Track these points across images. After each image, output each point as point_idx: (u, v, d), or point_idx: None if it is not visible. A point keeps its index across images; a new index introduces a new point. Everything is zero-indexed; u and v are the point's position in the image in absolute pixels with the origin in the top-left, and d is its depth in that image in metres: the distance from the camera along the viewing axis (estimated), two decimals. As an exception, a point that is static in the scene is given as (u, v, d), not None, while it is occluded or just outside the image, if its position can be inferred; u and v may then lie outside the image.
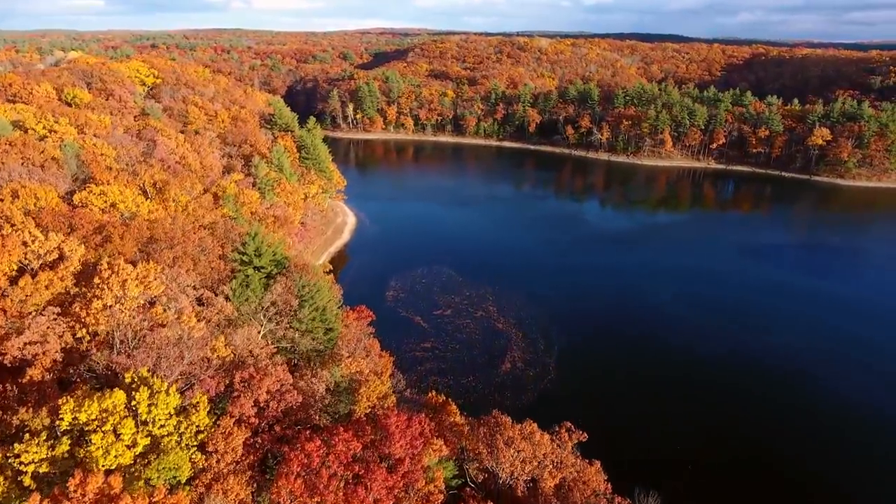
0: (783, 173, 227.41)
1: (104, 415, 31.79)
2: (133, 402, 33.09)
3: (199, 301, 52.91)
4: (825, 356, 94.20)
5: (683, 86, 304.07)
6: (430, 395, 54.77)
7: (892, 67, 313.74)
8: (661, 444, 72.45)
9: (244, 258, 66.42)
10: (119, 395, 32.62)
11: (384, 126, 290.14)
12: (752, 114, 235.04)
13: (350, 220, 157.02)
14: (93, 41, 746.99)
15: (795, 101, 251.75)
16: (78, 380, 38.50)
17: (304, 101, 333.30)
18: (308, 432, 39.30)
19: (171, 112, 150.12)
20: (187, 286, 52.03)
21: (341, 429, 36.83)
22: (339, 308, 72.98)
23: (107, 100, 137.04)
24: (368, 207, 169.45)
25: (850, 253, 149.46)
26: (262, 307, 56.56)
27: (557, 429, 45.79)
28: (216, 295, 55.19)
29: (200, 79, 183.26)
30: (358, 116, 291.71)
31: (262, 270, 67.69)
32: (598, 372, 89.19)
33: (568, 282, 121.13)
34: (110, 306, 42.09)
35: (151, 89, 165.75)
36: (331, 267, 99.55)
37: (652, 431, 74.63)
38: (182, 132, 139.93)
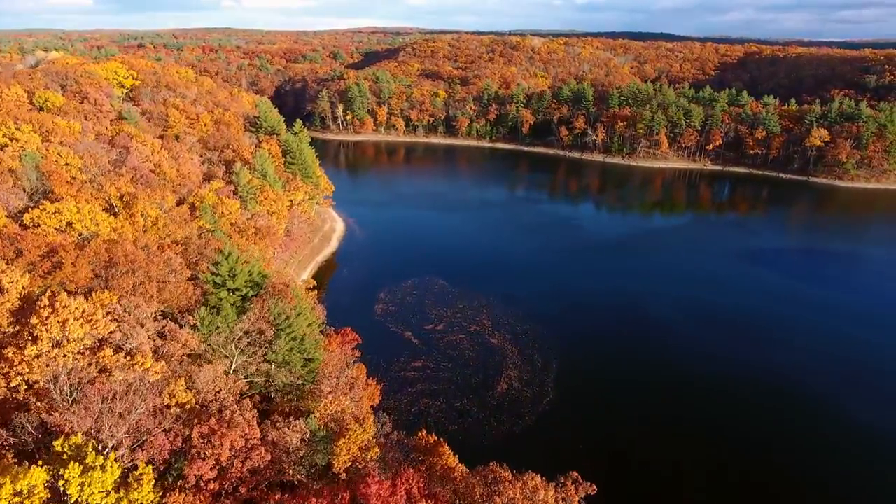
0: (781, 175, 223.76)
1: (18, 500, 26.22)
2: (60, 482, 27.63)
3: (162, 334, 47.41)
4: (846, 377, 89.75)
5: (678, 85, 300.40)
6: (419, 434, 49.47)
7: (887, 66, 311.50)
8: (667, 472, 67.67)
9: (216, 280, 60.81)
10: (38, 475, 27.06)
11: (375, 127, 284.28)
12: (749, 114, 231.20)
13: (338, 226, 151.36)
14: (79, 40, 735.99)
15: (793, 101, 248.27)
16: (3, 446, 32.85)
17: (293, 101, 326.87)
18: (278, 496, 33.96)
19: (151, 115, 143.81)
20: (147, 317, 46.46)
21: (314, 500, 31.51)
22: (322, 331, 67.57)
23: (81, 103, 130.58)
24: (358, 213, 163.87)
25: (851, 258, 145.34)
26: (234, 337, 51.06)
27: (563, 480, 40.72)
28: (181, 327, 49.54)
29: (183, 80, 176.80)
30: (348, 117, 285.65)
31: (237, 293, 62.11)
32: (598, 391, 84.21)
33: (565, 292, 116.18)
34: (47, 352, 36.51)
35: (130, 91, 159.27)
36: (314, 283, 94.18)
37: (657, 457, 69.83)
38: (161, 137, 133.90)
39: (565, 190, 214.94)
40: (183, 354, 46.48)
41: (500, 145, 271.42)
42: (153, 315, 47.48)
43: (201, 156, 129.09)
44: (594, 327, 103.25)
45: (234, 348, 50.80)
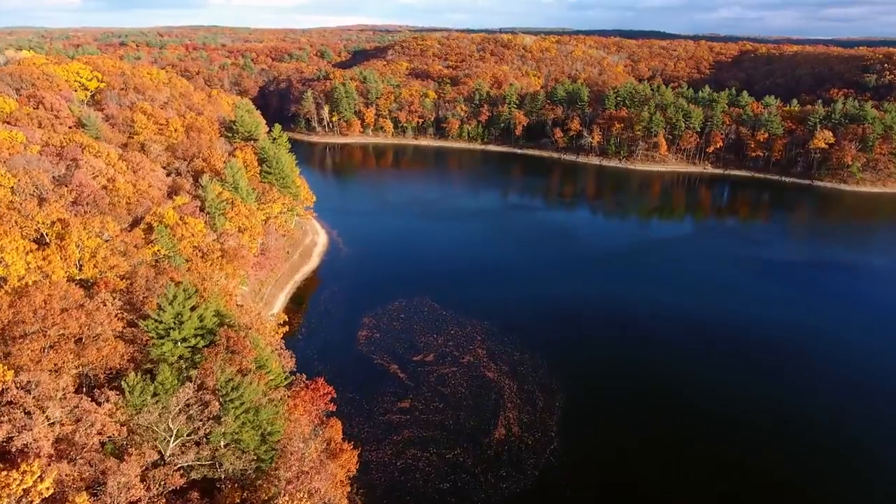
0: (783, 178, 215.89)
1: None
2: None
3: (76, 415, 37.36)
4: (862, 403, 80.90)
5: (673, 84, 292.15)
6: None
7: (886, 65, 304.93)
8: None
9: (159, 329, 50.58)
10: None
11: (362, 129, 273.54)
12: (750, 115, 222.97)
13: (321, 239, 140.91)
14: (61, 38, 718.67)
15: (795, 101, 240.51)
16: None
17: (278, 102, 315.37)
18: None
19: (115, 121, 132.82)
20: (54, 396, 36.34)
21: None
22: (289, 384, 57.37)
23: (36, 108, 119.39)
24: (342, 223, 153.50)
25: (858, 268, 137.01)
26: (170, 413, 40.94)
27: None
28: (101, 404, 39.24)
29: (154, 82, 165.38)
30: (334, 119, 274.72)
31: (185, 344, 51.91)
32: (608, 436, 74.76)
33: (563, 313, 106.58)
34: None
35: (95, 94, 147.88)
36: (285, 318, 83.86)
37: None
38: (125, 145, 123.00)
39: (561, 195, 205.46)
40: (101, 442, 36.53)
41: (492, 148, 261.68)
42: (63, 391, 37.34)
43: (168, 166, 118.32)
44: (597, 355, 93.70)
45: (170, 425, 40.74)
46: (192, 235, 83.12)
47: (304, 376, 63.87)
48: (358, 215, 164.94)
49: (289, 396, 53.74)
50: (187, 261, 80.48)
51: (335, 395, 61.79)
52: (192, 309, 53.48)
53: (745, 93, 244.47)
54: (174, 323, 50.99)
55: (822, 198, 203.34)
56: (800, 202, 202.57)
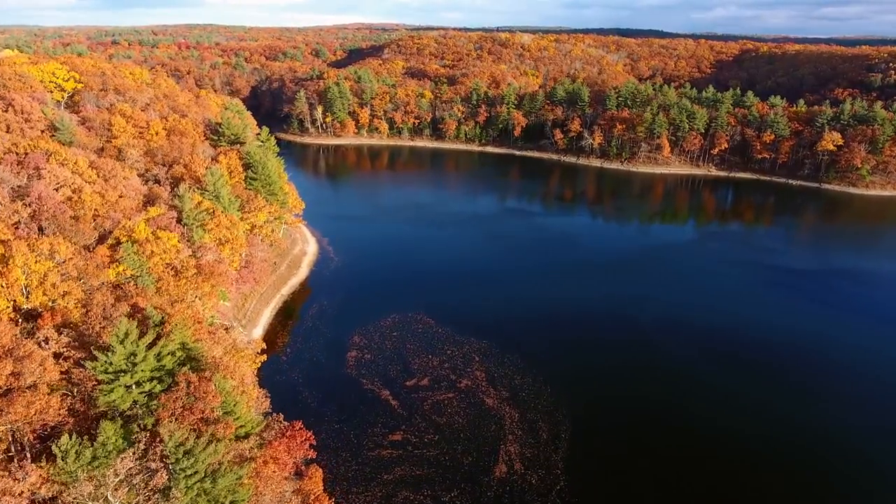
0: (790, 181, 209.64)
1: None
2: None
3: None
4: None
5: (675, 84, 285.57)
6: None
7: (891, 64, 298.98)
8: None
9: (108, 370, 43.67)
10: None
11: (356, 130, 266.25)
12: (756, 116, 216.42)
13: (310, 248, 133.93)
14: (54, 36, 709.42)
15: (801, 102, 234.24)
16: None
17: (270, 102, 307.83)
18: None
19: (92, 125, 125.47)
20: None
21: None
22: (263, 428, 50.43)
23: (5, 112, 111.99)
24: (334, 229, 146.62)
25: (870, 277, 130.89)
26: (110, 485, 34.10)
27: None
28: (27, 476, 32.48)
29: (136, 82, 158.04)
30: (327, 120, 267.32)
31: (139, 389, 45.00)
32: (618, 475, 68.07)
33: (567, 332, 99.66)
34: None
35: (73, 96, 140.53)
36: (263, 345, 76.88)
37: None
38: (101, 150, 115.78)
39: (560, 199, 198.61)
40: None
41: (490, 149, 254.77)
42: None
43: (146, 173, 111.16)
44: (603, 378, 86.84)
45: (109, 499, 33.90)
46: (165, 251, 76.06)
47: (282, 417, 56.92)
48: (350, 221, 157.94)
49: (260, 446, 46.92)
50: (158, 280, 73.47)
51: (315, 442, 54.70)
52: (150, 346, 46.57)
53: (750, 93, 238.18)
54: (126, 365, 44.14)
55: (830, 201, 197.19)
56: (807, 206, 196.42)
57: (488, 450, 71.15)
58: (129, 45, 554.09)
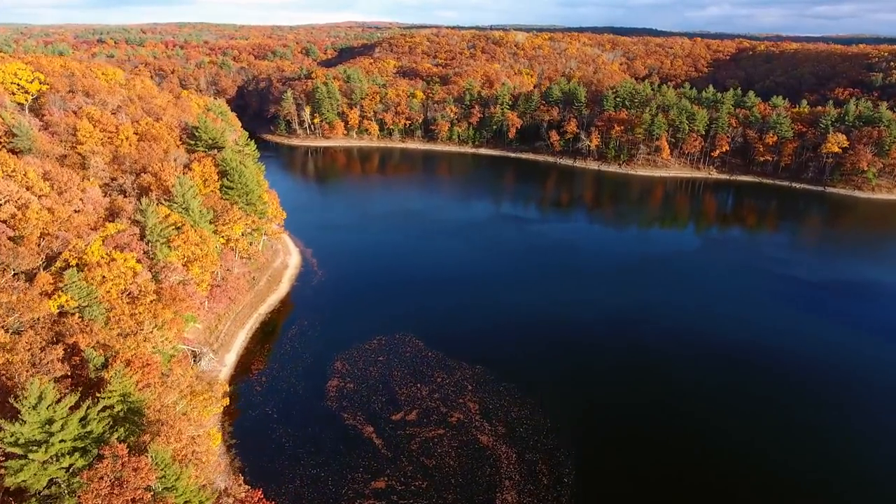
0: (793, 184, 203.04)
1: None
2: None
3: None
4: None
5: (672, 83, 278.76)
6: None
7: (892, 63, 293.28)
8: None
9: (17, 443, 35.55)
10: None
11: (346, 132, 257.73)
12: (758, 117, 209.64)
13: (292, 260, 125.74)
14: (40, 35, 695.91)
15: (804, 102, 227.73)
16: None
17: (258, 103, 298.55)
18: None
19: (56, 129, 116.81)
20: None
21: None
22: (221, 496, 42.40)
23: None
24: (319, 239, 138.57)
25: (879, 287, 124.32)
26: None
27: None
28: None
29: (109, 83, 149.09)
30: (316, 121, 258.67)
31: (59, 463, 36.93)
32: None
33: (567, 354, 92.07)
34: None
35: (38, 98, 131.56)
36: (227, 388, 68.84)
37: None
38: (64, 157, 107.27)
39: (557, 204, 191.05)
40: None
41: (483, 151, 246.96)
42: None
43: (110, 183, 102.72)
44: (615, 416, 78.91)
45: None
46: (119, 276, 67.77)
47: (242, 480, 48.89)
48: (336, 230, 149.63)
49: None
50: (110, 309, 65.21)
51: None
52: (74, 407, 38.52)
53: (751, 93, 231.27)
54: (41, 435, 36.16)
55: (835, 205, 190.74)
56: (812, 210, 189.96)
57: (482, 499, 63.46)
58: (115, 43, 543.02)
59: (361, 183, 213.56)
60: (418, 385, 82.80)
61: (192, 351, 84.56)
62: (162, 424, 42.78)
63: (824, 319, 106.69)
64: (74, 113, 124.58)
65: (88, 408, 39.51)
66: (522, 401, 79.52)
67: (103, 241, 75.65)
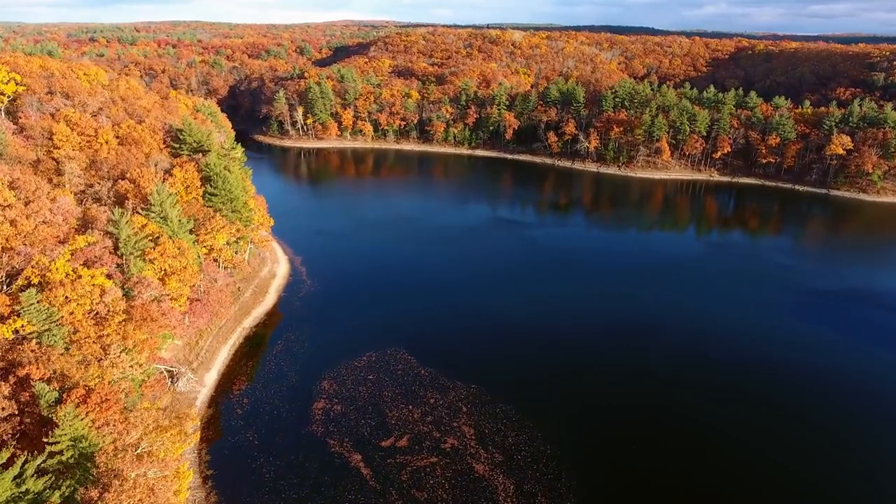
0: (797, 187, 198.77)
1: None
2: None
3: None
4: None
5: (671, 83, 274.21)
6: None
7: (894, 62, 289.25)
8: None
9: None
10: None
11: (339, 133, 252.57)
12: (760, 118, 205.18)
13: (281, 269, 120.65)
14: (33, 33, 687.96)
15: (807, 103, 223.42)
16: None
17: (250, 103, 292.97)
18: None
19: (31, 133, 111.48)
20: None
21: None
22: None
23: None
24: (309, 246, 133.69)
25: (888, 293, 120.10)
26: None
27: None
28: None
29: (91, 83, 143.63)
30: (308, 121, 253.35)
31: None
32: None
33: (568, 372, 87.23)
34: None
35: (15, 100, 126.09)
36: (197, 423, 63.73)
37: None
38: (37, 163, 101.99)
39: (555, 208, 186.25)
40: None
41: (480, 153, 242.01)
42: None
43: (86, 189, 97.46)
44: (612, 431, 74.67)
45: None
46: (84, 295, 62.62)
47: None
48: (328, 237, 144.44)
49: None
50: (74, 332, 60.10)
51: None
52: (7, 465, 33.46)
53: (753, 93, 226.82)
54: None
55: (839, 208, 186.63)
56: (816, 213, 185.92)
57: (478, 538, 58.63)
58: (107, 42, 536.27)
59: (355, 186, 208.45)
60: (410, 407, 77.88)
61: (169, 371, 79.49)
62: (115, 475, 37.78)
63: (824, 326, 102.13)
64: (52, 115, 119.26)
65: (25, 462, 34.58)
66: (520, 424, 74.69)
67: (72, 254, 70.52)
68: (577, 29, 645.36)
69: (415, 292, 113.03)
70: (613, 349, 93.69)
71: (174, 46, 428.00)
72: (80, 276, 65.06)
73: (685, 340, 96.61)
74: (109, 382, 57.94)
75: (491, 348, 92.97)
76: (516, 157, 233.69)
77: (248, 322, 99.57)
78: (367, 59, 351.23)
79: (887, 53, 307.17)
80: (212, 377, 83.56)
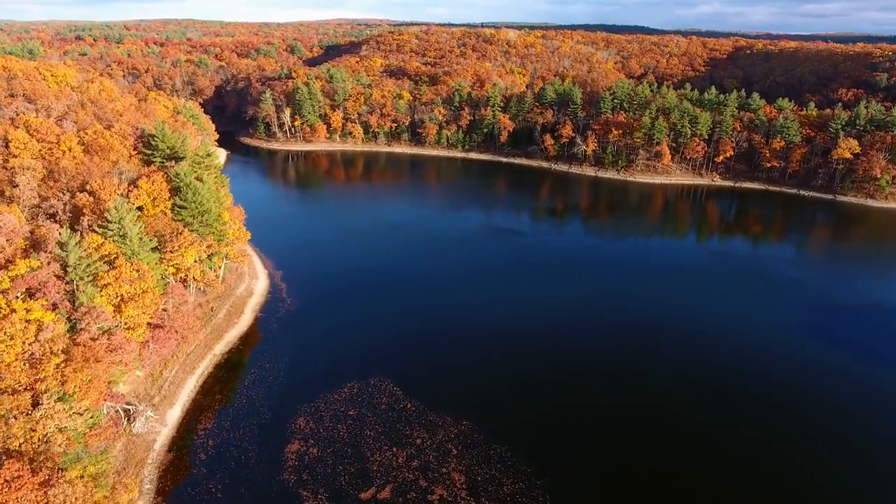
0: (802, 192, 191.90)
1: None
2: None
3: None
4: None
5: (669, 83, 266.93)
6: None
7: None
8: None
9: None
10: None
11: (328, 135, 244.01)
12: (764, 120, 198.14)
13: (259, 286, 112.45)
14: (21, 31, 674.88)
15: (812, 105, 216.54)
16: None
17: (236, 104, 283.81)
18: None
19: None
20: None
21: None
22: None
23: None
24: (291, 259, 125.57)
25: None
26: None
27: None
28: None
29: (58, 85, 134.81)
30: (296, 123, 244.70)
31: None
32: None
33: (568, 408, 79.28)
34: None
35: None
36: (158, 474, 55.56)
37: None
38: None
39: (552, 214, 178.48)
40: None
41: (474, 156, 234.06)
42: None
43: (41, 203, 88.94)
44: (620, 477, 67.09)
45: None
46: (16, 335, 54.31)
47: None
48: (312, 248, 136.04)
49: None
50: (0, 381, 51.84)
51: None
52: None
53: (755, 95, 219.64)
54: None
55: (846, 214, 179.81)
56: (823, 219, 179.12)
57: None
58: (94, 41, 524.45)
59: (343, 191, 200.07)
60: (394, 449, 69.92)
61: (126, 409, 71.21)
62: None
63: (831, 335, 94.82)
64: (11, 120, 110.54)
65: None
66: (517, 469, 66.91)
67: (12, 282, 62.21)
68: (572, 28, 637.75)
69: (402, 310, 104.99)
70: (617, 372, 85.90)
71: (161, 45, 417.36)
72: (13, 311, 56.75)
73: (689, 358, 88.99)
74: (40, 439, 49.84)
75: (483, 376, 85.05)
76: (511, 160, 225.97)
77: (220, 347, 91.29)
78: (358, 59, 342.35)
79: (889, 53, 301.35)
80: (174, 415, 75.32)
